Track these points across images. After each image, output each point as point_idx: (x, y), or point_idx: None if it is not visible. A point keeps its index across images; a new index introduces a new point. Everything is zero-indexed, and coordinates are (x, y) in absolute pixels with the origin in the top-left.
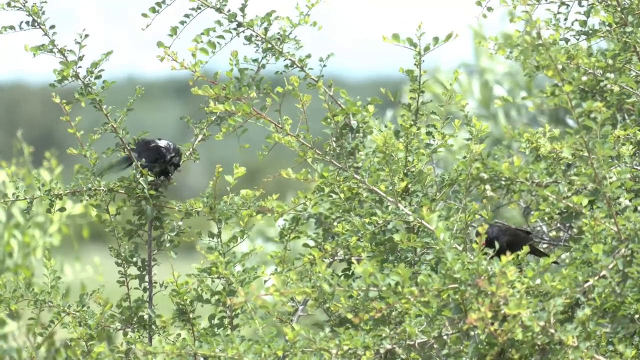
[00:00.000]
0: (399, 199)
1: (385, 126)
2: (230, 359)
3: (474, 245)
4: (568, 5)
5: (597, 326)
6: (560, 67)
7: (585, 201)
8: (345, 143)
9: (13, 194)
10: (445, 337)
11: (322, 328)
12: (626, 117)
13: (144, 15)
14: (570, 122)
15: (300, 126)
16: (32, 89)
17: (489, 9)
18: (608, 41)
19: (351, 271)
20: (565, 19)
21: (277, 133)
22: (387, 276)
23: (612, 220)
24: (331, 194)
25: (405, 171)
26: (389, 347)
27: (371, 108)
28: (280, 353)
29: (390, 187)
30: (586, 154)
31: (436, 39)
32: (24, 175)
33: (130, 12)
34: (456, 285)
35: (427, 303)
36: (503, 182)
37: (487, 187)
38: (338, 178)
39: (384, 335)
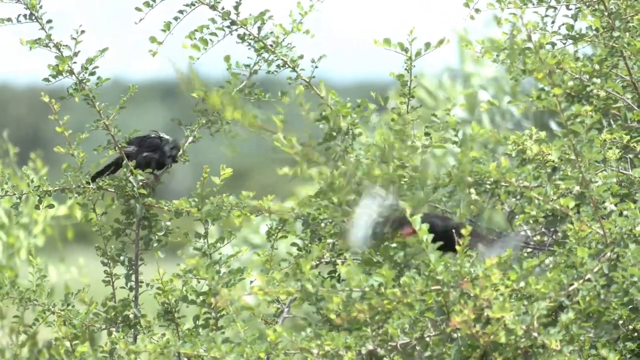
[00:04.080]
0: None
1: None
2: (212, 359)
3: (457, 248)
4: (555, 9)
5: (581, 330)
6: (548, 70)
7: (572, 203)
8: (334, 145)
9: (2, 189)
10: (427, 339)
11: (304, 328)
12: (612, 122)
13: (138, 9)
14: (554, 126)
15: (304, 132)
16: (18, 91)
17: (477, 10)
18: (594, 47)
19: (337, 273)
20: (553, 22)
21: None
22: (370, 277)
23: (598, 223)
24: (319, 194)
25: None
26: (370, 348)
27: (372, 106)
28: (262, 355)
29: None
30: (573, 157)
31: (428, 45)
32: (9, 176)
33: (115, 16)
34: (439, 287)
35: (411, 305)
36: (488, 186)
37: (472, 190)
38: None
39: (366, 336)
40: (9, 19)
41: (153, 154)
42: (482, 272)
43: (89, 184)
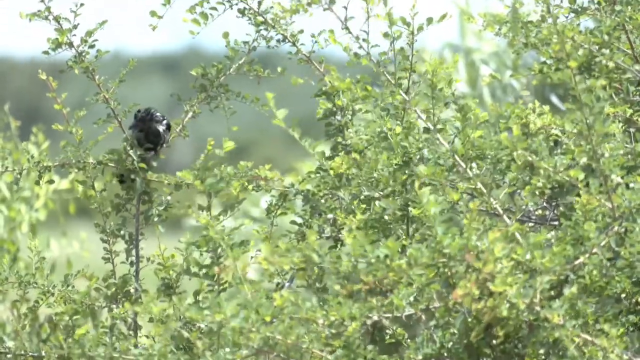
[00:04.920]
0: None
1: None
2: (217, 323)
3: (465, 221)
4: None
5: (586, 305)
6: (564, 41)
7: (581, 175)
8: (334, 120)
9: (2, 165)
10: (433, 310)
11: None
12: (614, 95)
13: None
14: (555, 100)
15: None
16: (18, 63)
17: None
18: (596, 20)
19: (338, 248)
20: None
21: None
22: (376, 248)
23: (607, 196)
24: (319, 171)
25: (405, 159)
26: (376, 318)
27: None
28: (268, 319)
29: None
30: (580, 129)
31: (430, 19)
32: (11, 150)
33: None
34: (445, 260)
35: (418, 275)
36: (489, 160)
37: (474, 165)
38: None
39: (371, 306)
40: None
41: (140, 132)
42: (485, 245)
43: (90, 160)
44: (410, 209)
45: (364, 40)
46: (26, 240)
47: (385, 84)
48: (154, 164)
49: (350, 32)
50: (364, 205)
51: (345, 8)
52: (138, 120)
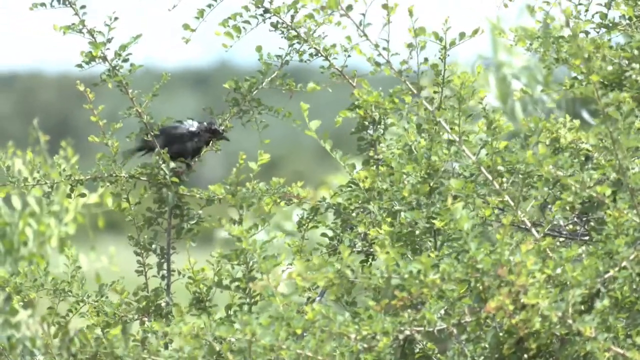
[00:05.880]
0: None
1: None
2: (247, 340)
3: (498, 237)
4: None
5: (617, 320)
6: (587, 56)
7: (608, 191)
8: (366, 135)
9: (34, 178)
10: (464, 324)
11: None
12: None
13: None
14: (586, 115)
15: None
16: (48, 78)
17: None
18: (627, 36)
19: (369, 263)
20: (586, 11)
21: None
22: (409, 264)
23: (635, 211)
24: (350, 184)
25: (429, 171)
26: (408, 333)
27: (408, 98)
28: (299, 331)
29: (417, 185)
30: (608, 144)
31: (462, 34)
32: (40, 164)
33: (148, 2)
34: (478, 275)
35: (450, 290)
36: (520, 175)
37: (504, 180)
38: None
39: (403, 321)
40: (43, 4)
41: (181, 146)
42: (518, 258)
43: (122, 173)
44: (435, 222)
45: (384, 48)
46: (55, 255)
47: (409, 93)
48: (186, 178)
49: (368, 39)
50: (389, 219)
51: (363, 15)
52: (205, 130)
